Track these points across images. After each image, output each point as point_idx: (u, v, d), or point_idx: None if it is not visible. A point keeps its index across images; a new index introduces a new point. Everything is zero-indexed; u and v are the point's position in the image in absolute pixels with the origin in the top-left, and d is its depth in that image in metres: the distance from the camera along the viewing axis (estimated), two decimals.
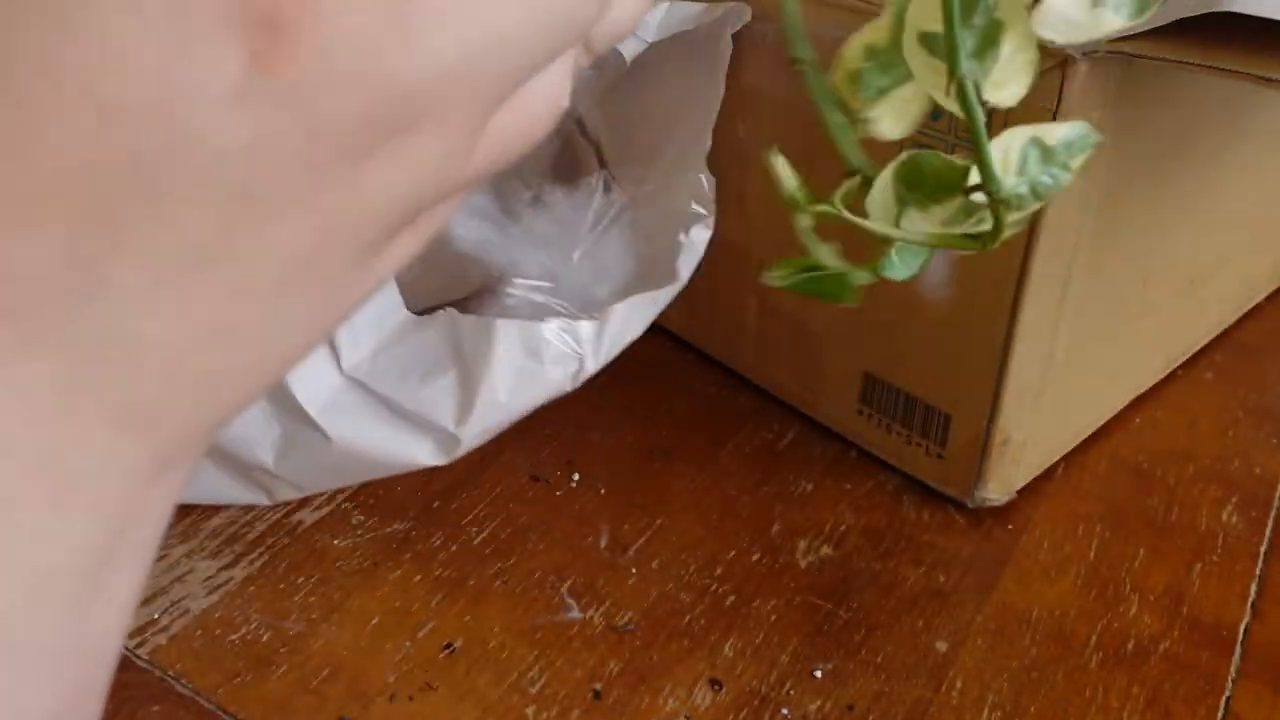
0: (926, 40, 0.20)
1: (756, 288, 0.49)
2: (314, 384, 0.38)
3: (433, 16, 0.14)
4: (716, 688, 0.39)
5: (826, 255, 0.22)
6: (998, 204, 0.21)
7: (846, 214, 0.22)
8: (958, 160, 0.21)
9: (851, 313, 0.39)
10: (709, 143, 0.42)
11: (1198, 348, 0.56)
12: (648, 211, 0.46)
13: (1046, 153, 0.21)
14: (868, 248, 0.23)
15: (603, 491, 0.47)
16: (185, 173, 0.13)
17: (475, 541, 0.44)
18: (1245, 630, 0.42)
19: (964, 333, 0.43)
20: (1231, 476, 0.49)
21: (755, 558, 0.44)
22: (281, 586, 0.45)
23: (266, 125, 0.13)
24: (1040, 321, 0.42)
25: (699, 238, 0.42)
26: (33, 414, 0.14)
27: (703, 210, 0.42)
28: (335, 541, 0.45)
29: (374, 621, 0.42)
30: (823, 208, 0.22)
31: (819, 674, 0.40)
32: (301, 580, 0.44)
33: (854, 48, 0.21)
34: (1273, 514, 0.47)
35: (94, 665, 0.17)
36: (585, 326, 0.38)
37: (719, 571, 0.43)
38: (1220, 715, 0.39)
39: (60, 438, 0.15)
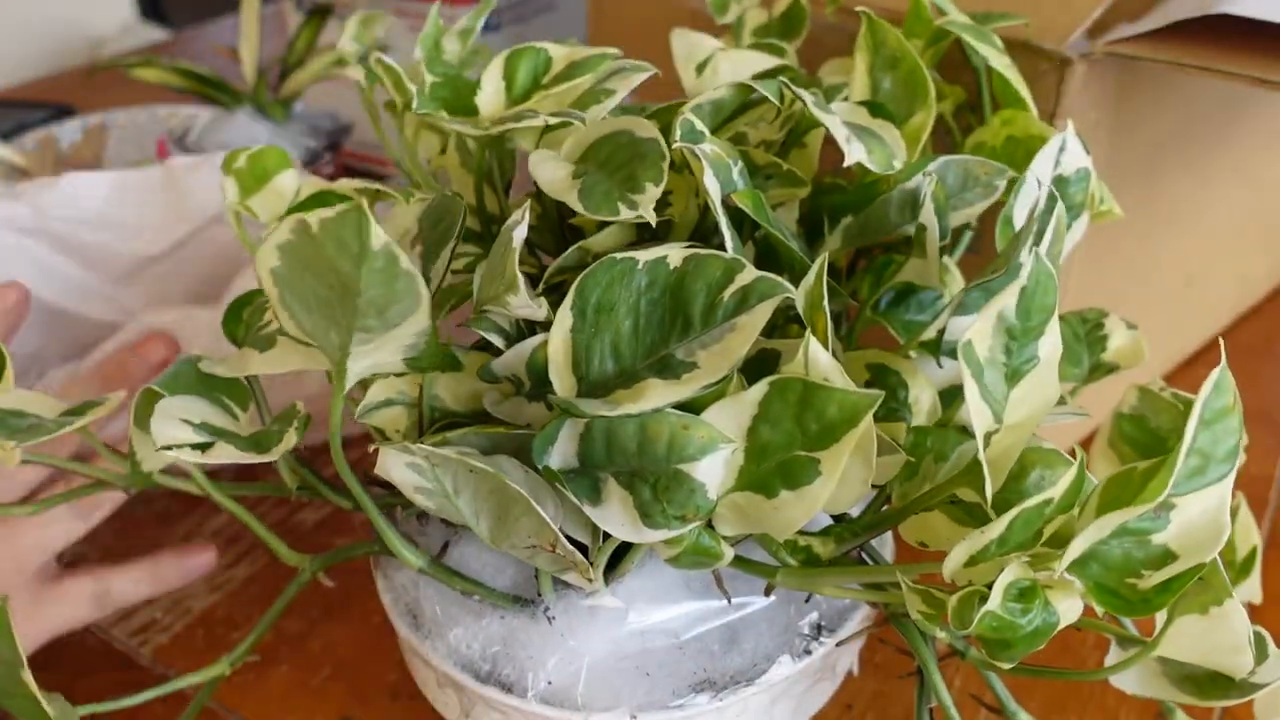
0: None
1: None
2: None
3: None
4: None
5: None
6: None
7: None
8: None
9: None
10: None
11: (1195, 348, 0.56)
12: None
13: None
14: None
15: None
16: None
17: None
18: None
19: None
20: None
21: None
22: (283, 586, 0.45)
23: None
24: None
25: None
26: None
27: None
28: (337, 541, 0.45)
29: (375, 620, 0.42)
30: None
31: None
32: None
33: None
34: (1269, 513, 0.48)
35: None
36: None
37: None
38: (1217, 713, 0.39)
39: None
